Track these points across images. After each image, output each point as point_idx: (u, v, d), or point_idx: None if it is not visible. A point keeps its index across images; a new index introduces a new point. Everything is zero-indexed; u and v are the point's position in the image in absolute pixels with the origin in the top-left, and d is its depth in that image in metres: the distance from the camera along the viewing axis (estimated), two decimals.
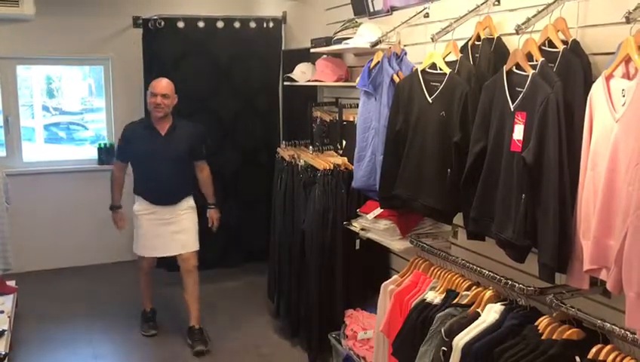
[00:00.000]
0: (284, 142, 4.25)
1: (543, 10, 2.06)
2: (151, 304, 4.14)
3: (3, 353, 3.28)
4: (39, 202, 5.12)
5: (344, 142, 3.72)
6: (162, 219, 3.74)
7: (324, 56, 3.95)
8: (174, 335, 3.93)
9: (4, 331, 3.47)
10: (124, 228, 3.94)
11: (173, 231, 3.77)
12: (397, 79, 2.74)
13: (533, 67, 1.98)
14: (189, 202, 3.83)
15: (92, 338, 3.95)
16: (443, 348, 2.12)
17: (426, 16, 2.90)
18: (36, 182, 5.11)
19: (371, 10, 3.48)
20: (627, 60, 1.74)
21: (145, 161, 3.71)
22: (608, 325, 1.74)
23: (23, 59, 5.09)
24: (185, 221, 3.79)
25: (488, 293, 2.19)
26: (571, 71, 1.92)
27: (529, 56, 2.04)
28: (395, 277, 2.68)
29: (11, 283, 4.20)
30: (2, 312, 3.75)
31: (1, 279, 4.07)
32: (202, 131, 3.87)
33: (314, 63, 4.09)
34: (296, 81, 4.13)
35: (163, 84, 3.65)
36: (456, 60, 2.44)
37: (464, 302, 2.26)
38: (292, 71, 4.20)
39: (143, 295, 4.16)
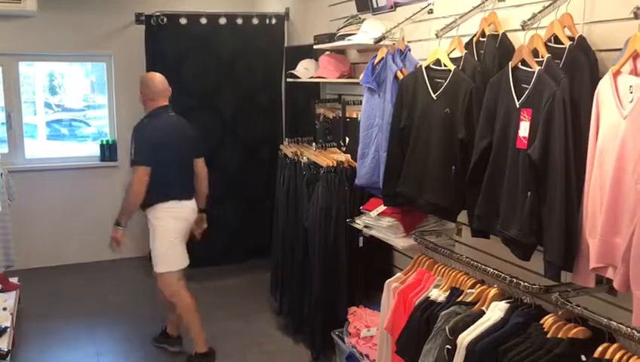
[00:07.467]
0: (286, 138, 4.24)
1: (549, 5, 2.04)
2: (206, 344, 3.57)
3: (5, 350, 3.28)
4: (42, 199, 5.12)
5: (347, 139, 3.71)
6: (188, 217, 3.49)
7: (327, 52, 3.94)
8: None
9: (6, 328, 3.47)
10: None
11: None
12: (401, 76, 2.72)
13: (539, 63, 1.97)
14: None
15: (95, 336, 3.94)
16: (447, 346, 2.11)
17: (430, 12, 2.88)
18: (38, 179, 5.11)
19: (375, 6, 3.46)
20: (635, 56, 1.72)
21: (179, 159, 3.44)
22: (614, 324, 1.72)
23: (25, 55, 5.09)
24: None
25: (493, 291, 2.18)
26: (577, 67, 1.90)
27: (535, 53, 2.03)
28: (398, 274, 2.67)
29: (14, 279, 4.20)
30: (5, 309, 3.74)
31: (4, 276, 4.07)
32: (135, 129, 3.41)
33: (317, 60, 4.07)
34: (299, 77, 4.11)
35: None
36: (461, 57, 2.43)
37: (468, 299, 2.25)
38: (295, 67, 4.19)
39: (195, 332, 3.51)
